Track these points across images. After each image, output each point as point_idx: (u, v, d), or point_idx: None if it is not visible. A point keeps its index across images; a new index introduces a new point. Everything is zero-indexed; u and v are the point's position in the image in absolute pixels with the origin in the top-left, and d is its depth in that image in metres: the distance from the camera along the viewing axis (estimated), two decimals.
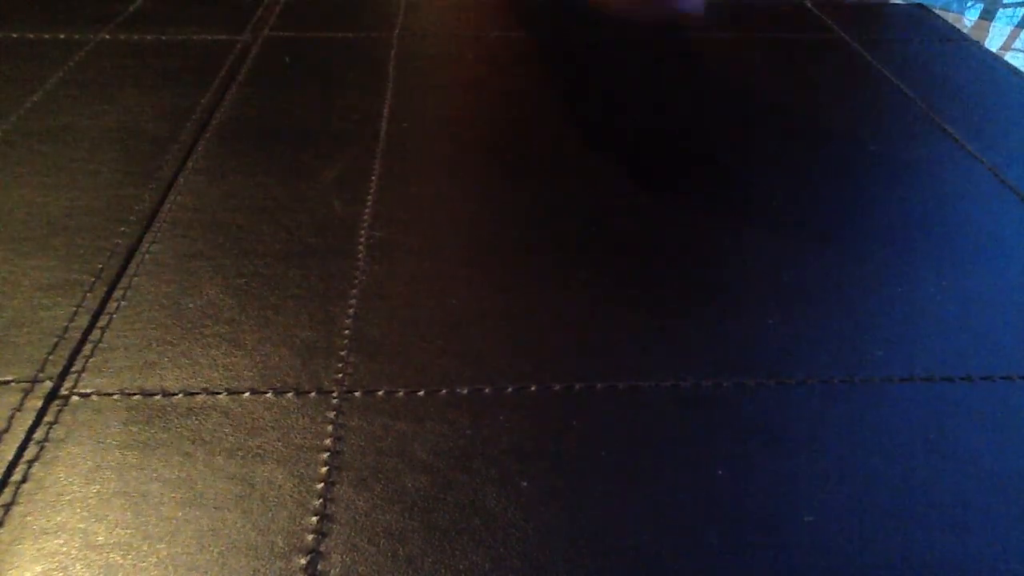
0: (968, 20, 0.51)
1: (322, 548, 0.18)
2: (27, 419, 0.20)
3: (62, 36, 0.42)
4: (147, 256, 0.26)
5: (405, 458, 0.20)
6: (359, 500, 0.19)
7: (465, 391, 0.22)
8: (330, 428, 0.20)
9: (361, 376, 0.22)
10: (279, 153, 0.32)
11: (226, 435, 0.20)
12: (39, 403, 0.21)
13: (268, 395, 0.21)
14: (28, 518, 0.18)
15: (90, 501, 0.18)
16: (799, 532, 0.18)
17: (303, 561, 0.17)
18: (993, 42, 0.49)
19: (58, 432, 0.20)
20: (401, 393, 0.21)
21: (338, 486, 0.19)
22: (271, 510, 0.18)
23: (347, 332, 0.23)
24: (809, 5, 0.50)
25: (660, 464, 0.20)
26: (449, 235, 0.28)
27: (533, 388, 0.22)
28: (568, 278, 0.26)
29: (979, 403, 0.22)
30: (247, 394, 0.21)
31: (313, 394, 0.21)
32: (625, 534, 0.18)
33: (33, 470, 0.19)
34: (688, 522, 0.18)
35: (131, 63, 0.39)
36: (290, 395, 0.21)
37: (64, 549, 0.17)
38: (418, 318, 0.24)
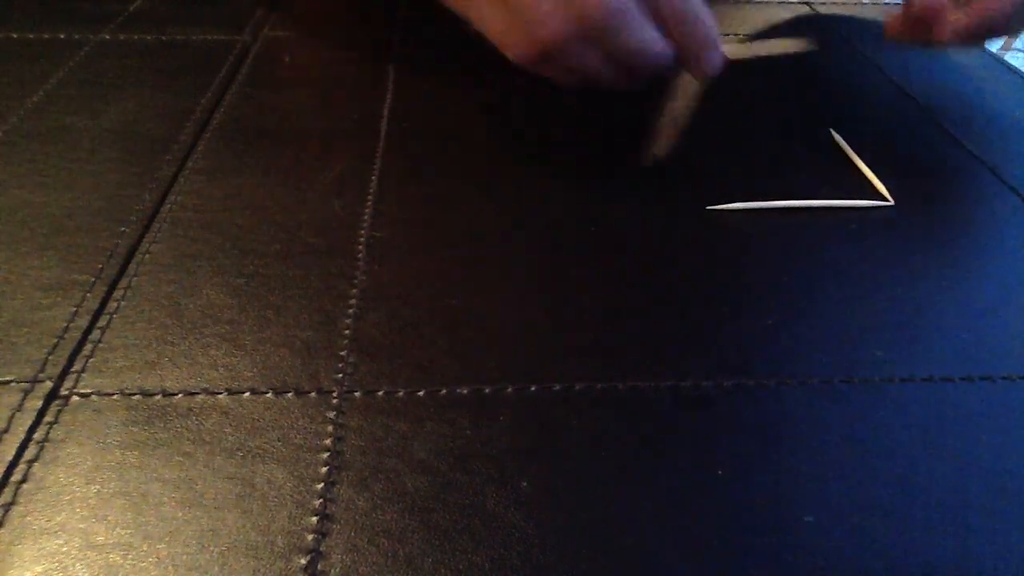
0: None
1: (322, 548, 0.18)
2: (27, 419, 0.20)
3: (62, 36, 0.42)
4: (147, 256, 0.26)
5: (405, 458, 0.20)
6: (359, 500, 0.19)
7: (465, 391, 0.22)
8: (330, 428, 0.20)
9: (361, 376, 0.22)
10: (279, 153, 0.32)
11: (226, 435, 0.20)
12: (39, 403, 0.21)
13: (268, 395, 0.21)
14: (28, 518, 0.18)
15: (90, 501, 0.18)
16: (799, 532, 0.18)
17: (303, 561, 0.17)
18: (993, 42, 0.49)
19: (58, 432, 0.20)
20: (401, 393, 0.21)
21: (338, 486, 0.19)
22: (271, 510, 0.18)
23: (347, 332, 0.23)
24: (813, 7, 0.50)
25: (660, 464, 0.20)
26: (449, 235, 0.28)
27: (533, 388, 0.22)
28: (568, 278, 0.26)
29: (979, 403, 0.22)
30: (247, 394, 0.21)
31: (313, 394, 0.21)
32: (625, 534, 0.18)
33: (33, 470, 0.19)
34: (688, 522, 0.18)
35: (131, 63, 0.39)
36: (290, 395, 0.21)
37: (64, 549, 0.17)
38: (418, 318, 0.24)
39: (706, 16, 0.29)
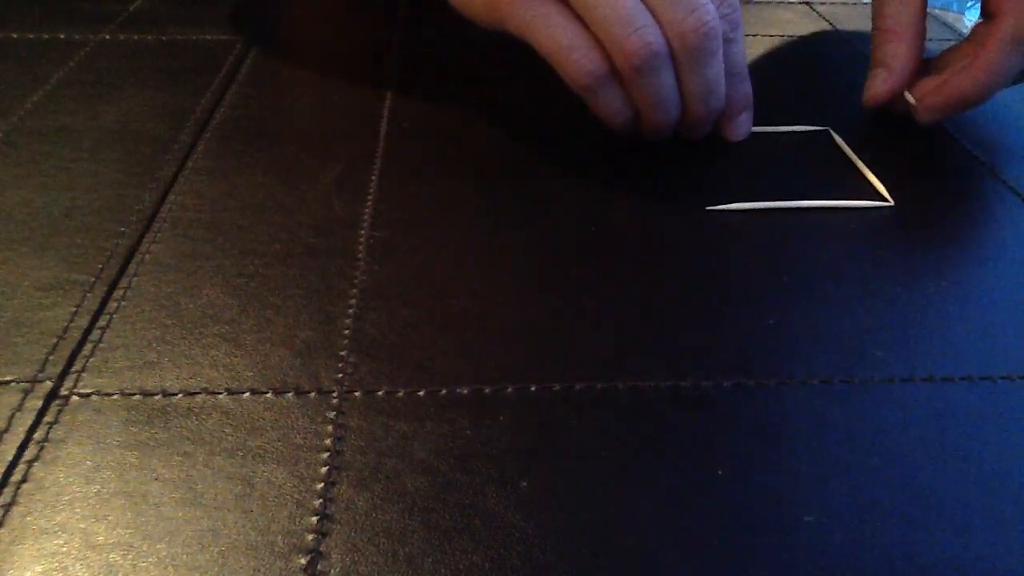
0: (968, 20, 0.51)
1: (322, 548, 0.18)
2: (27, 419, 0.20)
3: (62, 36, 0.42)
4: (147, 256, 0.26)
5: (405, 458, 0.20)
6: (359, 500, 0.19)
7: (465, 391, 0.22)
8: (330, 428, 0.20)
9: (361, 376, 0.22)
10: (279, 153, 0.32)
11: (226, 435, 0.20)
12: (39, 403, 0.21)
13: (268, 395, 0.21)
14: (28, 518, 0.18)
15: (90, 501, 0.18)
16: (799, 532, 0.18)
17: (303, 561, 0.17)
18: None
19: (58, 432, 0.20)
20: (401, 393, 0.21)
21: (338, 486, 0.19)
22: (271, 510, 0.18)
23: (347, 332, 0.23)
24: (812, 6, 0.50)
25: (660, 464, 0.20)
26: (449, 235, 0.28)
27: (533, 388, 0.22)
28: (568, 278, 0.26)
29: (979, 403, 0.22)
30: (247, 394, 0.21)
31: (313, 394, 0.21)
32: (625, 534, 0.18)
33: (33, 470, 0.19)
34: (688, 522, 0.18)
35: (131, 63, 0.39)
36: (290, 395, 0.21)
37: (64, 549, 0.17)
38: (418, 318, 0.24)
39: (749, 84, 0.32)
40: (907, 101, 0.34)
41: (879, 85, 0.34)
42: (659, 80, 0.29)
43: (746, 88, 0.32)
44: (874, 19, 0.35)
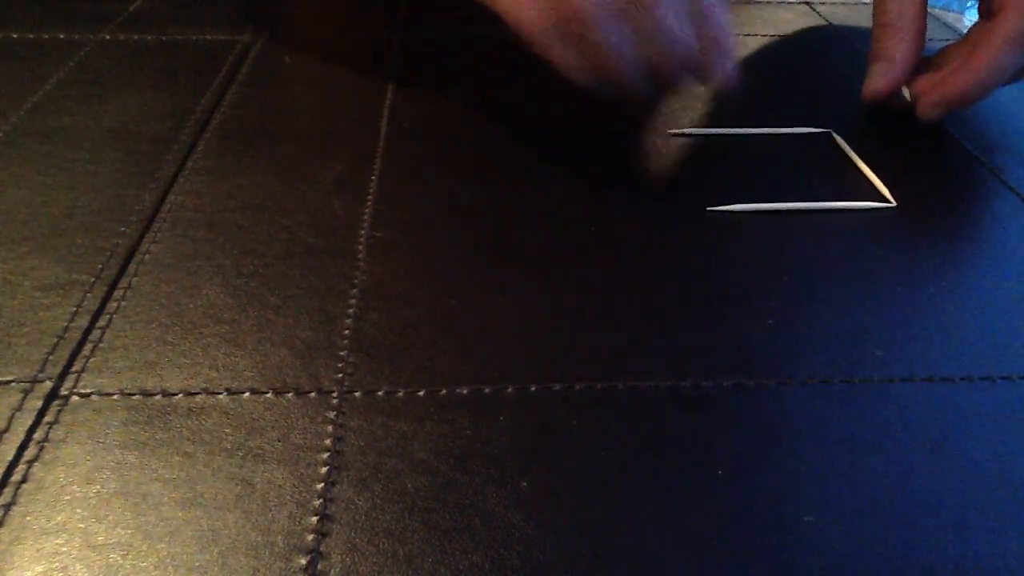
0: (968, 20, 0.51)
1: (322, 548, 0.18)
2: (27, 419, 0.20)
3: (62, 36, 0.42)
4: (147, 256, 0.26)
5: (405, 458, 0.20)
6: (359, 500, 0.19)
7: (465, 391, 0.22)
8: (330, 428, 0.20)
9: (361, 376, 0.22)
10: (279, 153, 0.32)
11: (226, 435, 0.20)
12: (39, 403, 0.21)
13: (268, 395, 0.21)
14: (28, 518, 0.18)
15: (90, 501, 0.18)
16: (799, 532, 0.18)
17: (303, 561, 0.17)
18: None
19: (58, 432, 0.20)
20: (401, 393, 0.21)
21: (338, 486, 0.19)
22: (271, 510, 0.18)
23: (347, 332, 0.23)
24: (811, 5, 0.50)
25: (660, 464, 0.20)
26: (449, 235, 0.28)
27: (533, 388, 0.22)
28: (568, 278, 0.26)
29: (979, 403, 0.22)
30: (247, 394, 0.21)
31: (313, 394, 0.21)
32: (625, 534, 0.18)
33: (33, 470, 0.19)
34: (688, 522, 0.18)
35: (131, 63, 0.39)
36: (290, 395, 0.21)
37: (64, 549, 0.17)
38: (418, 318, 0.24)
39: (728, 25, 0.30)
40: (905, 97, 0.34)
41: (879, 79, 0.34)
42: (608, 29, 0.28)
43: (718, 31, 0.30)
44: (875, 14, 0.35)
